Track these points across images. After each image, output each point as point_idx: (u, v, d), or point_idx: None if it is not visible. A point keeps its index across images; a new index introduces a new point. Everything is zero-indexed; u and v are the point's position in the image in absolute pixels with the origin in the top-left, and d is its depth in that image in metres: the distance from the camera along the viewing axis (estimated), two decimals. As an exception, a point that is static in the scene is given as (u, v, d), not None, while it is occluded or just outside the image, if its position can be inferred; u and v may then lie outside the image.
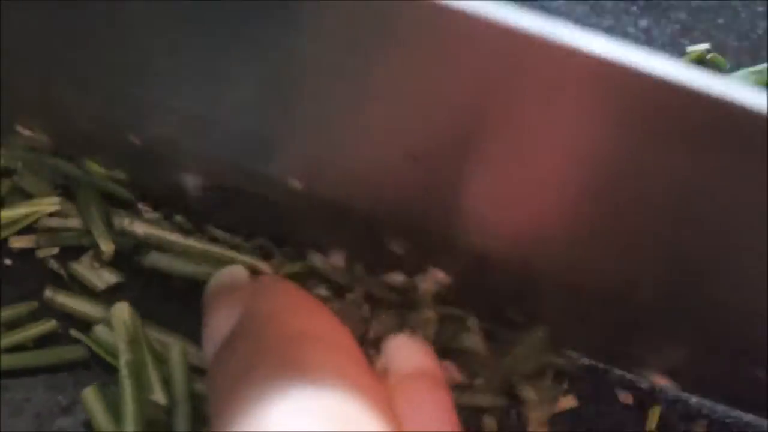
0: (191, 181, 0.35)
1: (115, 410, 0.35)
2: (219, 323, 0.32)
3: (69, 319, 0.37)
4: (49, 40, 0.31)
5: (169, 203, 0.38)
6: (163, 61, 0.29)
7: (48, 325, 0.37)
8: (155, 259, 0.37)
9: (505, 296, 0.35)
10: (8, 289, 0.37)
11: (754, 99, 0.23)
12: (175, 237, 0.37)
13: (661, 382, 0.36)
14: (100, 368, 0.36)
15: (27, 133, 0.37)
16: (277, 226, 0.37)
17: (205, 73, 0.29)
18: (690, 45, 0.46)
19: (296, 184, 0.32)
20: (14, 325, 0.37)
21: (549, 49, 0.24)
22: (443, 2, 0.24)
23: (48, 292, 0.37)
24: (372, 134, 0.29)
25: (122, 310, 0.36)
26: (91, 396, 0.35)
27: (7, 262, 0.38)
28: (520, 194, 0.29)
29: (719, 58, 0.45)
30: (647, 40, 0.46)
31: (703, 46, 0.46)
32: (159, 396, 0.35)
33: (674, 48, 0.45)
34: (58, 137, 0.37)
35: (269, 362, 0.28)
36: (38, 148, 0.38)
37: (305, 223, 0.35)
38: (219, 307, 0.33)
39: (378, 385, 0.29)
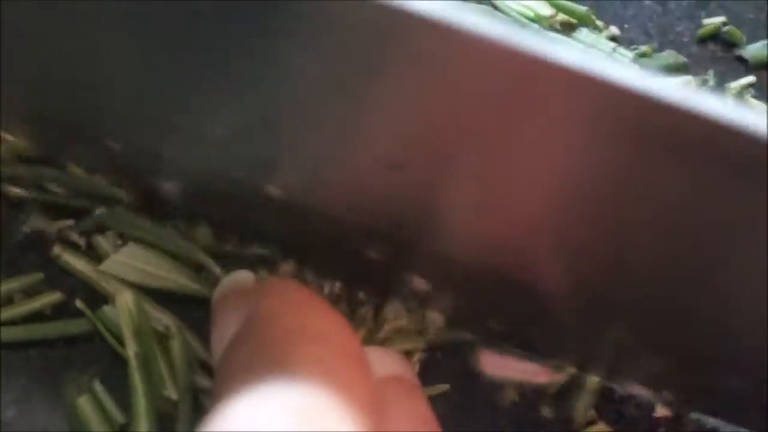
0: (171, 188, 0.36)
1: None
2: (226, 325, 0.32)
3: (79, 288, 0.37)
4: (38, 44, 0.31)
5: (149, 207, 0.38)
6: (151, 72, 0.29)
7: (53, 297, 0.37)
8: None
9: (486, 306, 0.35)
10: (28, 259, 0.38)
11: (753, 120, 0.23)
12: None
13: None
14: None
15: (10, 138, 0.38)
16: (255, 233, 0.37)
17: (191, 85, 0.29)
18: (706, 18, 0.46)
19: (276, 192, 0.32)
20: (27, 295, 0.37)
21: (536, 66, 0.23)
22: (433, 17, 0.24)
23: (56, 250, 0.38)
24: (355, 144, 0.29)
25: (126, 298, 0.36)
26: (85, 404, 0.35)
27: (26, 229, 0.39)
28: (503, 206, 0.29)
29: (735, 31, 0.45)
30: (664, 12, 0.45)
31: (719, 19, 0.46)
32: (170, 391, 0.35)
33: (690, 20, 0.45)
34: (39, 143, 0.38)
35: (260, 359, 0.28)
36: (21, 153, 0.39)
37: (281, 231, 0.36)
38: (226, 309, 0.33)
39: (366, 382, 0.29)
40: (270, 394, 0.27)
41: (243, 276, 0.35)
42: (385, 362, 0.33)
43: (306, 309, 0.31)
